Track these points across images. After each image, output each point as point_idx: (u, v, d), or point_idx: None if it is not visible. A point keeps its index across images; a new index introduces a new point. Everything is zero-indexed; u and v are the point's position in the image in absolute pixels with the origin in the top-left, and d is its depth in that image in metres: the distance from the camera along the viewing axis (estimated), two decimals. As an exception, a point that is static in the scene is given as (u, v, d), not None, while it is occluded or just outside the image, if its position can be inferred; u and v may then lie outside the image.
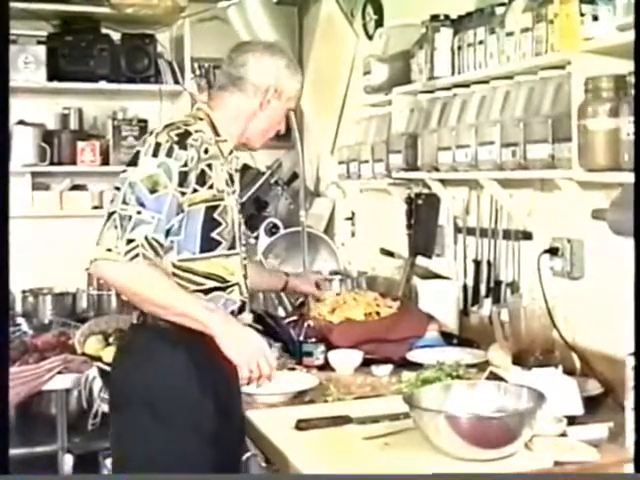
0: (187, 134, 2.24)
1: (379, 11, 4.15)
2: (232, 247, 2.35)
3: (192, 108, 4.76)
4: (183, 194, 2.20)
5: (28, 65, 4.50)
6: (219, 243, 2.30)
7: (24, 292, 4.47)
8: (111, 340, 3.40)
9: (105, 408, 3.14)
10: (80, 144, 4.70)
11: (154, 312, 2.20)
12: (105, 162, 4.74)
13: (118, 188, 2.20)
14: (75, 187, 4.87)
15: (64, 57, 4.60)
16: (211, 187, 2.25)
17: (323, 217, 4.78)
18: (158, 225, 2.17)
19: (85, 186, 4.90)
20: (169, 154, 2.19)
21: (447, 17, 3.16)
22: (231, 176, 2.38)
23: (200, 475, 2.21)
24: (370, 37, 4.19)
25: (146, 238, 2.14)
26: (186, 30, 4.80)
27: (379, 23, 4.13)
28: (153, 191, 2.16)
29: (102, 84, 4.70)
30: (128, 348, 2.38)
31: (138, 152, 2.24)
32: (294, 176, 4.74)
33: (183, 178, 2.20)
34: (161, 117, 4.82)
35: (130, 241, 2.13)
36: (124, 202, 2.16)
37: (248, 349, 2.19)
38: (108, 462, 3.38)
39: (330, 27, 4.65)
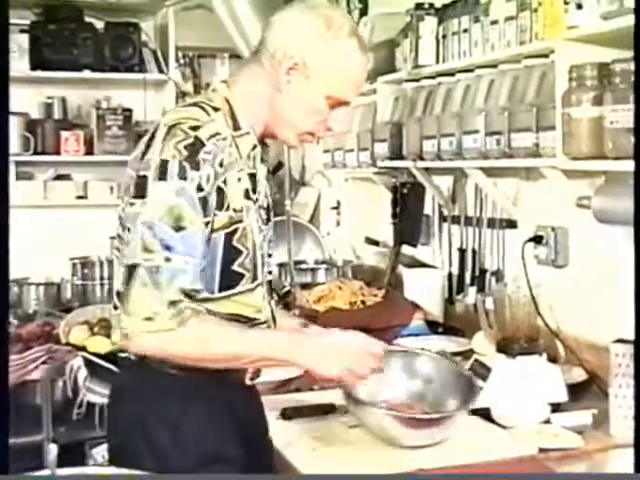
0: (198, 145, 1.76)
1: (364, -1, 4.15)
2: (255, 277, 1.90)
3: (177, 98, 4.85)
4: (207, 224, 1.78)
5: (11, 54, 4.47)
6: (241, 276, 1.86)
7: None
8: (96, 330, 3.40)
9: (90, 398, 3.14)
10: (64, 133, 4.67)
11: (227, 367, 1.84)
12: (89, 152, 4.72)
13: (129, 229, 1.78)
14: (59, 177, 4.84)
15: (47, 46, 4.58)
16: (227, 208, 1.81)
17: (308, 206, 4.78)
18: (195, 272, 1.75)
19: (69, 176, 4.88)
20: (182, 175, 1.74)
21: (432, 5, 3.15)
22: (254, 180, 1.90)
23: (200, 475, 1.84)
24: (355, 26, 4.17)
25: (183, 291, 1.74)
26: (170, 19, 4.78)
27: (363, 12, 4.12)
28: (178, 228, 1.73)
29: (86, 73, 4.68)
30: (129, 393, 1.92)
31: (144, 177, 1.77)
32: (279, 165, 4.73)
33: (204, 205, 1.76)
34: (145, 106, 4.81)
35: (173, 303, 1.72)
36: (146, 249, 1.73)
37: (334, 361, 1.86)
38: (94, 452, 3.38)
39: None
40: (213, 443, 1.88)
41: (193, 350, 1.78)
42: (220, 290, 1.84)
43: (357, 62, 1.91)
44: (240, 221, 1.84)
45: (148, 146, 1.81)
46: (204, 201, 1.76)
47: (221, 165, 1.79)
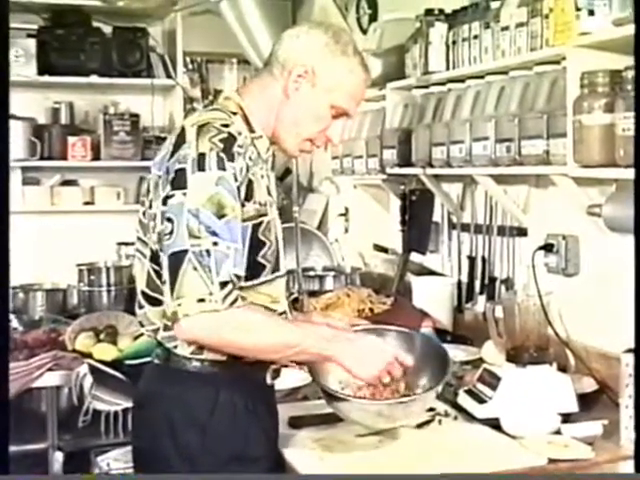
0: (232, 139, 1.88)
1: (373, 5, 4.15)
2: (275, 269, 2.00)
3: (184, 104, 4.86)
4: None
5: (18, 59, 4.48)
6: (264, 267, 1.96)
7: (14, 288, 4.44)
8: (102, 337, 3.40)
9: (96, 405, 3.14)
10: (71, 139, 4.68)
11: (265, 358, 1.96)
12: (96, 157, 4.73)
13: (170, 219, 1.84)
14: (66, 182, 4.86)
15: (55, 51, 4.59)
16: (255, 201, 1.92)
17: (316, 213, 4.78)
18: (236, 257, 1.83)
19: (76, 181, 4.89)
20: (221, 166, 1.83)
21: (442, 11, 3.16)
22: (269, 179, 2.03)
23: (201, 475, 1.93)
24: (364, 31, 4.18)
25: (230, 275, 1.82)
26: (178, 24, 4.79)
27: (373, 17, 4.13)
28: (221, 216, 1.82)
29: (93, 78, 4.69)
30: (155, 397, 1.99)
31: (181, 170, 1.85)
32: (287, 171, 4.74)
33: (238, 195, 1.87)
34: (153, 112, 4.82)
35: (224, 284, 1.80)
36: (193, 235, 1.80)
37: (373, 361, 1.96)
38: (99, 459, 3.38)
39: (324, 21, 4.64)
40: (239, 442, 1.95)
41: (244, 337, 1.86)
42: (245, 280, 1.90)
43: (360, 77, 2.05)
44: (265, 214, 1.94)
45: (177, 145, 1.90)
46: (238, 191, 1.86)
47: (250, 159, 1.91)
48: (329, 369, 2.10)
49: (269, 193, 1.99)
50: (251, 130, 1.99)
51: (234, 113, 1.98)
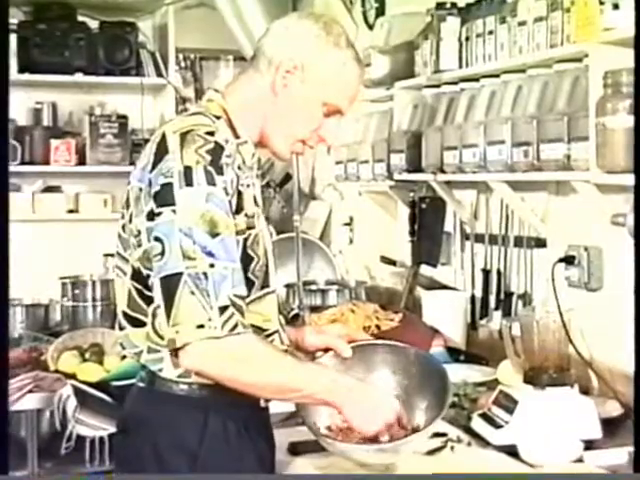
0: (219, 150, 1.84)
1: (380, -2, 4.17)
2: (265, 285, 1.99)
3: (176, 104, 4.86)
4: None
5: (-3, 56, 4.49)
6: (252, 284, 1.93)
7: (-8, 303, 4.46)
8: (87, 356, 3.40)
9: (80, 430, 3.14)
10: (54, 142, 4.69)
11: (265, 397, 1.98)
12: (81, 162, 4.73)
13: (159, 239, 1.81)
14: (48, 189, 4.86)
15: (37, 47, 4.61)
16: (244, 213, 1.90)
17: (319, 222, 4.78)
18: (234, 277, 1.80)
19: (59, 188, 4.89)
20: (210, 181, 1.80)
21: (454, 5, 3.17)
22: (254, 188, 1.99)
23: (201, 475, 1.92)
24: (370, 27, 4.19)
25: (230, 298, 1.79)
26: (170, 18, 4.80)
27: (380, 11, 4.14)
28: (214, 234, 1.79)
29: (78, 76, 4.70)
30: (140, 421, 1.98)
31: (168, 185, 1.80)
32: (287, 177, 4.74)
33: (230, 209, 1.85)
34: (142, 113, 4.83)
35: (223, 309, 1.77)
36: (187, 257, 1.77)
37: (376, 417, 1.94)
38: (83, 489, 3.37)
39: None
40: (232, 470, 1.93)
41: (248, 370, 1.83)
42: None
43: (354, 72, 2.03)
44: (252, 227, 1.92)
45: (159, 155, 1.85)
46: (229, 205, 1.83)
47: (239, 168, 1.89)
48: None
49: (256, 203, 1.96)
50: (236, 135, 1.96)
51: (218, 117, 1.95)
